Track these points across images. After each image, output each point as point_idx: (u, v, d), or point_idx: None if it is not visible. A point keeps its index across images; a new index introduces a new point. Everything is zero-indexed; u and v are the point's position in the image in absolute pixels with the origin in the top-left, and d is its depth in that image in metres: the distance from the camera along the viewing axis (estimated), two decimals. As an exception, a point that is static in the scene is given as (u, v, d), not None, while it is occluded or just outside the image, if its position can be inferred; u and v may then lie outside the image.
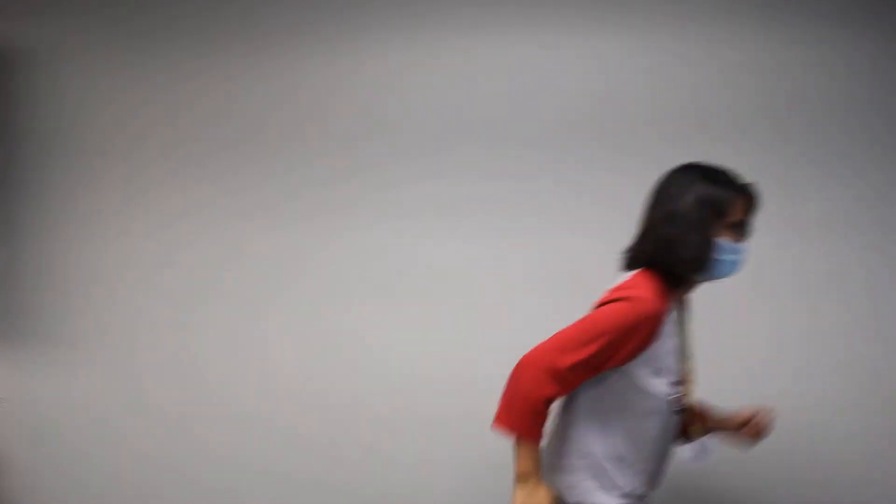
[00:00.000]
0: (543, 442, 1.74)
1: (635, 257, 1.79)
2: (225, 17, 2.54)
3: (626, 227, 2.43)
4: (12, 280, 2.57)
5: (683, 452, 1.90)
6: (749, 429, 1.92)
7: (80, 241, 2.57)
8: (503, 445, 2.43)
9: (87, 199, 2.57)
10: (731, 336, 2.41)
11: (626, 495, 1.76)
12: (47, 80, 2.57)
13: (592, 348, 1.66)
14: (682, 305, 1.83)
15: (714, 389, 2.41)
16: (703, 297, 2.40)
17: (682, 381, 1.81)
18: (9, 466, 2.58)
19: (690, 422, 1.92)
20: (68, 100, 2.57)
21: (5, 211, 2.58)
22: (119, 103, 2.56)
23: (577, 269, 2.44)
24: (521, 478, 1.69)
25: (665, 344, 1.73)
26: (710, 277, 1.77)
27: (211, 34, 2.54)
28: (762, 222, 2.40)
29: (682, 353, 1.80)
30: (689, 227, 1.73)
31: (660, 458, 1.81)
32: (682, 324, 1.82)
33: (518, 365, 1.68)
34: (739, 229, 1.76)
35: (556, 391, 1.66)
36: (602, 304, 1.71)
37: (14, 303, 2.58)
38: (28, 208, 2.58)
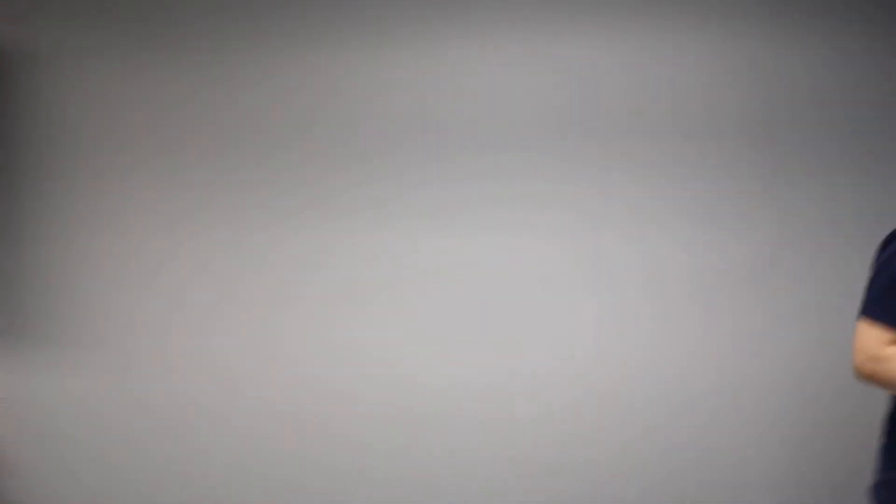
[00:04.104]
0: None
1: None
2: (227, 18, 2.54)
3: (629, 226, 2.44)
4: (13, 280, 2.58)
5: None
6: None
7: (80, 242, 2.57)
8: (514, 443, 2.44)
9: (88, 199, 2.57)
10: (730, 336, 2.43)
11: None
12: (48, 82, 2.58)
13: None
14: None
15: (711, 388, 2.42)
16: (700, 297, 2.41)
17: None
18: (9, 466, 2.58)
19: None
20: (69, 101, 2.58)
21: (6, 212, 2.59)
22: (120, 105, 2.57)
23: (585, 267, 2.46)
24: None
25: None
26: None
27: (213, 34, 2.54)
28: (758, 224, 2.41)
29: None
30: None
31: None
32: None
33: None
34: None
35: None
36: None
37: (14, 303, 2.58)
38: (28, 209, 2.58)
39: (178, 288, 2.55)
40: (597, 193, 2.46)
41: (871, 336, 1.75)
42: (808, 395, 2.41)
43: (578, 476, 2.46)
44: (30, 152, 2.59)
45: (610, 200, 2.46)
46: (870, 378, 1.74)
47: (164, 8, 2.56)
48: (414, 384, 2.46)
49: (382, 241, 2.47)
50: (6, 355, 2.58)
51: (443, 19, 2.49)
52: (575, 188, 2.47)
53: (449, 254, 2.45)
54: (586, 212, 2.46)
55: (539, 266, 2.47)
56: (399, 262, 2.47)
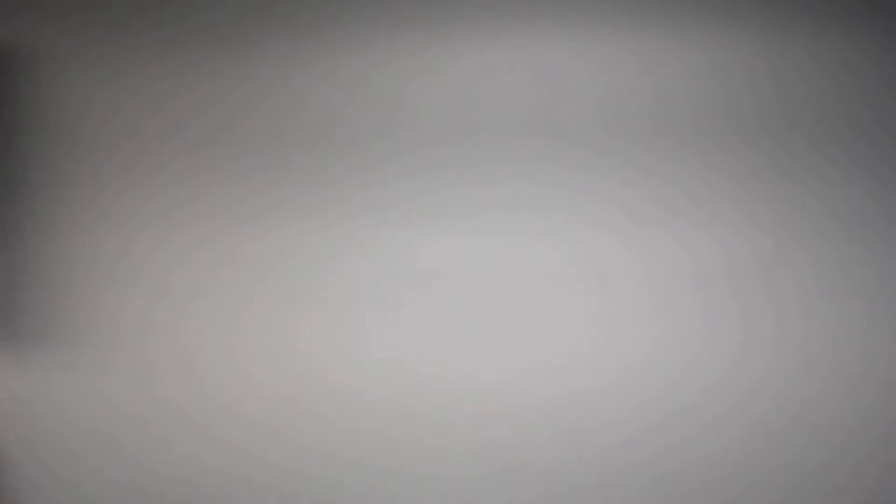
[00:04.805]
0: None
1: None
2: (234, 17, 2.55)
3: (629, 226, 2.44)
4: (16, 281, 2.58)
5: None
6: None
7: (84, 243, 2.57)
8: (520, 441, 2.44)
9: (93, 200, 2.57)
10: (734, 335, 2.43)
11: None
12: (49, 82, 2.58)
13: None
14: None
15: (715, 388, 2.42)
16: (702, 297, 2.41)
17: None
18: (10, 467, 2.58)
19: None
20: (69, 101, 2.58)
21: (6, 212, 2.59)
22: (122, 104, 2.57)
23: (583, 268, 2.46)
24: None
25: None
26: None
27: (216, 35, 2.54)
28: (759, 222, 2.42)
29: None
30: None
31: None
32: None
33: None
34: None
35: None
36: None
37: (18, 303, 2.58)
38: (32, 210, 2.59)
39: (183, 290, 2.55)
40: (597, 196, 2.46)
41: None
42: (813, 394, 2.41)
43: (582, 472, 2.46)
44: (30, 152, 2.59)
45: (611, 203, 2.46)
46: None
47: (166, 7, 2.56)
48: (425, 382, 2.47)
49: (391, 242, 2.48)
50: (11, 356, 2.59)
51: (451, 19, 2.49)
52: (576, 192, 2.47)
53: (458, 255, 2.46)
54: (587, 214, 2.47)
55: (543, 267, 2.47)
56: (409, 262, 2.47)
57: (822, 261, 2.40)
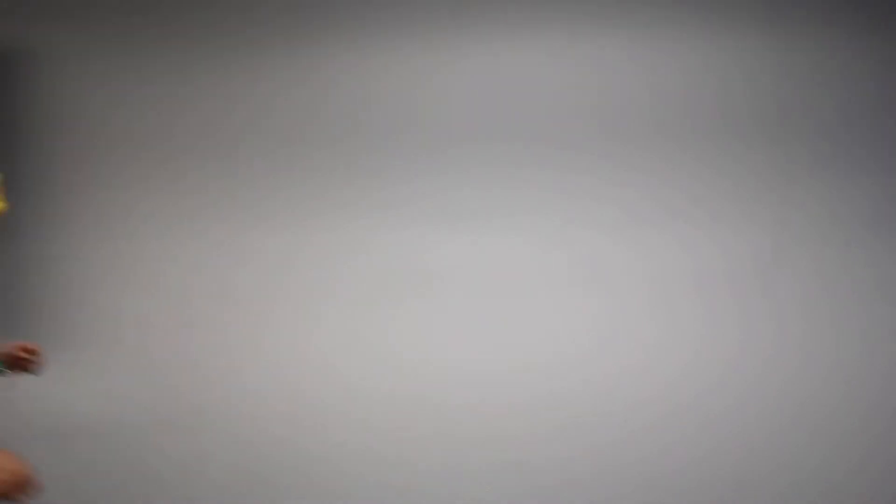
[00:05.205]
0: None
1: None
2: (228, 18, 2.55)
3: (628, 227, 2.45)
4: (17, 281, 2.58)
5: None
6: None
7: (83, 242, 2.57)
8: (522, 435, 2.46)
9: (92, 198, 2.57)
10: (734, 334, 2.44)
11: None
12: (48, 82, 2.58)
13: None
14: None
15: (715, 386, 2.43)
16: (702, 296, 2.42)
17: None
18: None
19: None
20: (69, 101, 2.57)
21: (9, 212, 2.58)
22: (121, 103, 2.57)
23: (584, 267, 2.46)
24: None
25: None
26: None
27: (224, 41, 2.54)
28: (759, 222, 2.42)
29: None
30: None
31: None
32: None
33: None
34: None
35: None
36: None
37: (19, 303, 2.58)
38: (32, 209, 2.58)
39: (182, 288, 2.56)
40: (597, 197, 2.47)
41: None
42: (813, 394, 2.41)
43: (582, 471, 2.48)
44: (32, 152, 2.59)
45: (611, 203, 2.47)
46: None
47: (164, 8, 2.56)
48: (427, 380, 2.48)
49: (394, 242, 2.48)
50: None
51: (452, 20, 2.49)
52: (576, 193, 2.47)
53: (461, 255, 2.47)
54: (587, 215, 2.47)
55: (543, 268, 2.48)
56: (412, 262, 2.48)
57: (822, 261, 2.40)
